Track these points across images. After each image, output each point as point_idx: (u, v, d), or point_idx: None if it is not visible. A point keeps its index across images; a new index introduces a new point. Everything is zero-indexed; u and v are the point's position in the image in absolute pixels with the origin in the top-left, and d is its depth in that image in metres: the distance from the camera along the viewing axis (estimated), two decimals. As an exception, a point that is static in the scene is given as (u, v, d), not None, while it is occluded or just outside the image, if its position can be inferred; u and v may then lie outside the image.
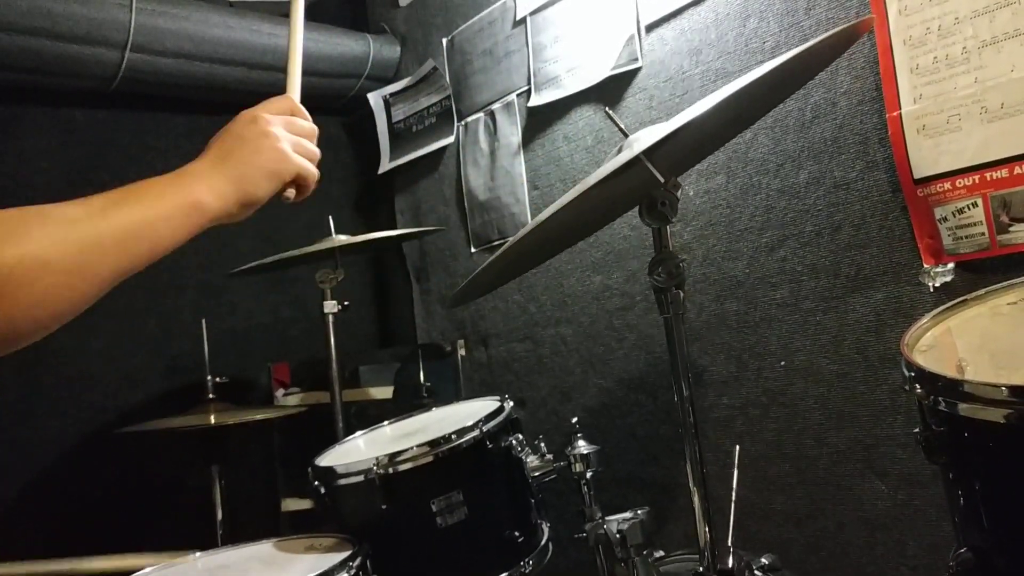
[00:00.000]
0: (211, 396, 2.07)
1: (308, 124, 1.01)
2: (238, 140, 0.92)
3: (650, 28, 2.00)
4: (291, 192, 0.97)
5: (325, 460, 1.52)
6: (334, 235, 1.99)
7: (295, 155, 0.94)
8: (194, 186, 0.84)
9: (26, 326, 0.69)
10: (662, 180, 1.13)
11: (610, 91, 2.09)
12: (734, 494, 1.48)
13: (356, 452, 1.61)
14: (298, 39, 1.16)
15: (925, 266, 1.55)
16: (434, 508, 1.34)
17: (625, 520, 1.38)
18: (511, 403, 1.54)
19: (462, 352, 2.54)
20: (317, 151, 0.99)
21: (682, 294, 1.19)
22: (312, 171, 0.97)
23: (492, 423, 1.43)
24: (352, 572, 1.19)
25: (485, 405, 1.56)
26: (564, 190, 2.10)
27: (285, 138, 0.94)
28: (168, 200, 0.81)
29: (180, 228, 0.81)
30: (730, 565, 1.21)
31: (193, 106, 2.51)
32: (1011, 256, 1.44)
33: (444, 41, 2.59)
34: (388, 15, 2.81)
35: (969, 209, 1.48)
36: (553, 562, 1.47)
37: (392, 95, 2.77)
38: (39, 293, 0.68)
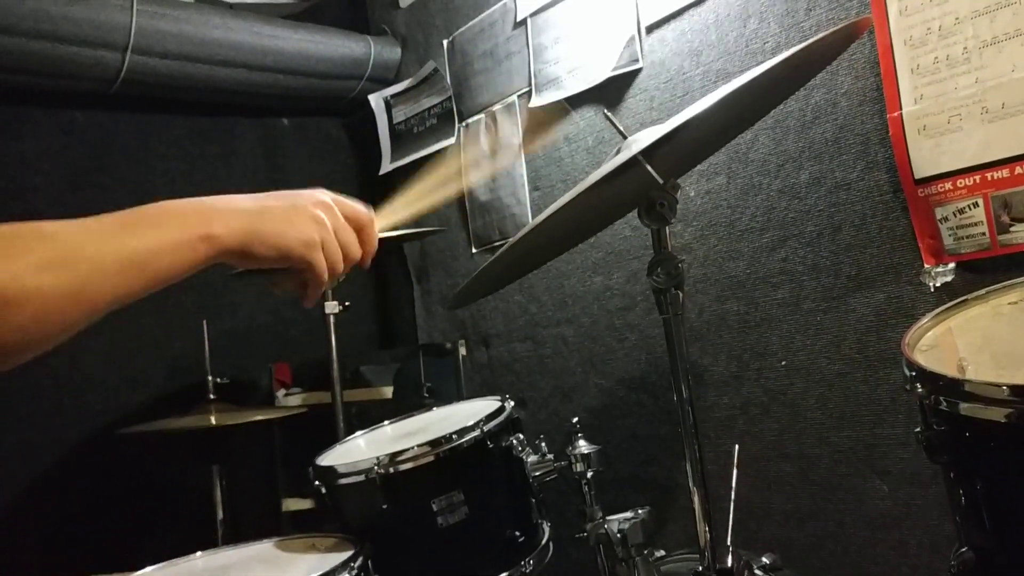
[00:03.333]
0: (212, 397, 2.07)
1: (357, 244, 0.92)
2: (286, 201, 0.86)
3: (650, 29, 2.00)
4: (288, 286, 0.90)
5: (326, 459, 1.52)
6: (335, 236, 1.99)
7: (318, 249, 0.86)
8: (213, 218, 0.79)
9: (13, 347, 0.66)
10: (660, 181, 1.13)
11: (611, 92, 2.09)
12: (734, 494, 1.48)
13: (357, 452, 1.61)
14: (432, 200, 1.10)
15: (926, 266, 1.55)
16: (435, 508, 1.34)
17: (626, 520, 1.38)
18: (512, 403, 1.54)
19: (463, 352, 2.54)
20: (342, 267, 0.90)
21: (681, 295, 1.18)
22: (323, 276, 0.87)
23: (493, 423, 1.42)
24: (354, 573, 1.19)
25: (486, 405, 1.56)
26: (565, 191, 2.10)
27: (324, 231, 0.87)
28: (182, 230, 0.77)
29: (186, 260, 0.77)
30: (730, 565, 1.21)
31: (194, 108, 2.52)
32: (1012, 256, 1.44)
33: (445, 42, 2.59)
34: (389, 17, 2.81)
35: (970, 209, 1.48)
36: (554, 562, 1.47)
37: (393, 96, 2.77)
38: (28, 316, 0.65)
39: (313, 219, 0.86)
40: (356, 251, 0.92)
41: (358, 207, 0.94)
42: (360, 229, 0.93)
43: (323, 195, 0.90)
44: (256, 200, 0.85)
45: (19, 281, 0.64)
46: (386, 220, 1.07)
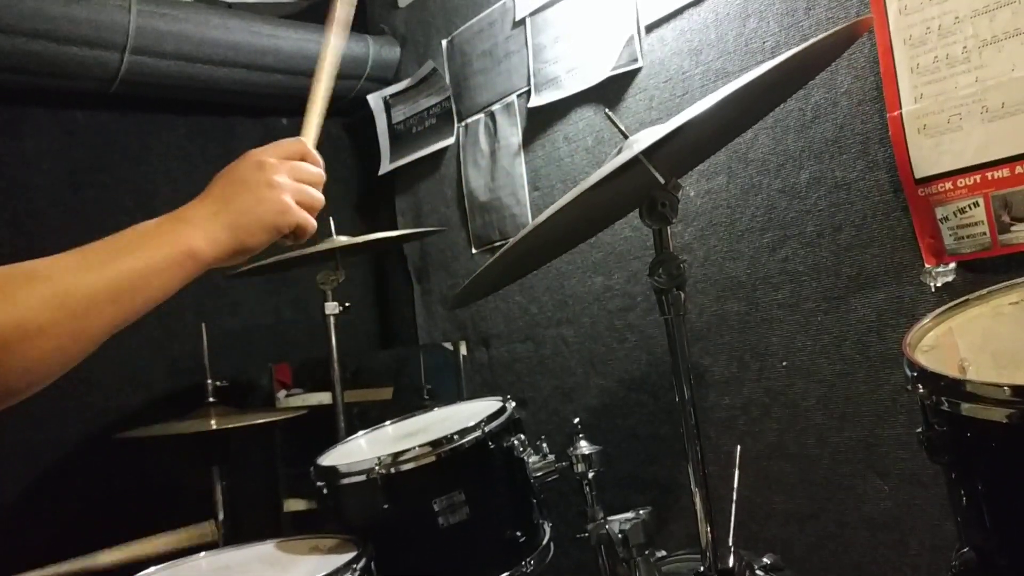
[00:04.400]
0: (211, 400, 2.07)
1: (316, 170, 0.97)
2: (241, 185, 0.88)
3: (650, 28, 2.00)
4: (288, 241, 0.94)
5: (328, 459, 1.52)
6: (335, 236, 1.99)
7: (296, 207, 0.91)
8: (190, 233, 0.81)
9: (19, 386, 0.68)
10: (662, 181, 1.13)
11: (610, 92, 2.09)
12: (735, 494, 1.48)
13: (358, 452, 1.61)
14: (324, 86, 1.12)
15: (927, 266, 1.55)
16: (436, 508, 1.34)
17: (627, 520, 1.38)
18: (513, 403, 1.54)
19: (464, 353, 2.54)
20: (320, 198, 0.96)
21: (683, 295, 1.18)
22: (310, 223, 0.93)
23: (494, 423, 1.43)
24: (357, 574, 1.19)
25: (487, 405, 1.56)
26: (565, 191, 2.10)
27: (288, 188, 0.90)
28: (163, 249, 0.78)
29: (174, 278, 0.79)
30: (731, 565, 1.21)
31: (193, 108, 2.52)
32: (1012, 256, 1.44)
33: (444, 42, 2.59)
34: (388, 16, 2.81)
35: (970, 209, 1.48)
36: (555, 562, 1.47)
37: (392, 96, 2.77)
38: (32, 357, 0.66)
39: (271, 185, 0.89)
40: (317, 176, 0.97)
41: (287, 144, 0.96)
42: (303, 156, 0.97)
43: (256, 159, 0.91)
44: (217, 199, 0.86)
45: (21, 322, 0.65)
46: (311, 130, 1.10)
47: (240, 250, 0.85)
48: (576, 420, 1.55)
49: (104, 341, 0.73)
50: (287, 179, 0.91)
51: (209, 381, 2.07)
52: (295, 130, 1.04)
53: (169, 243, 0.79)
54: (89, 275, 0.72)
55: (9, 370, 0.65)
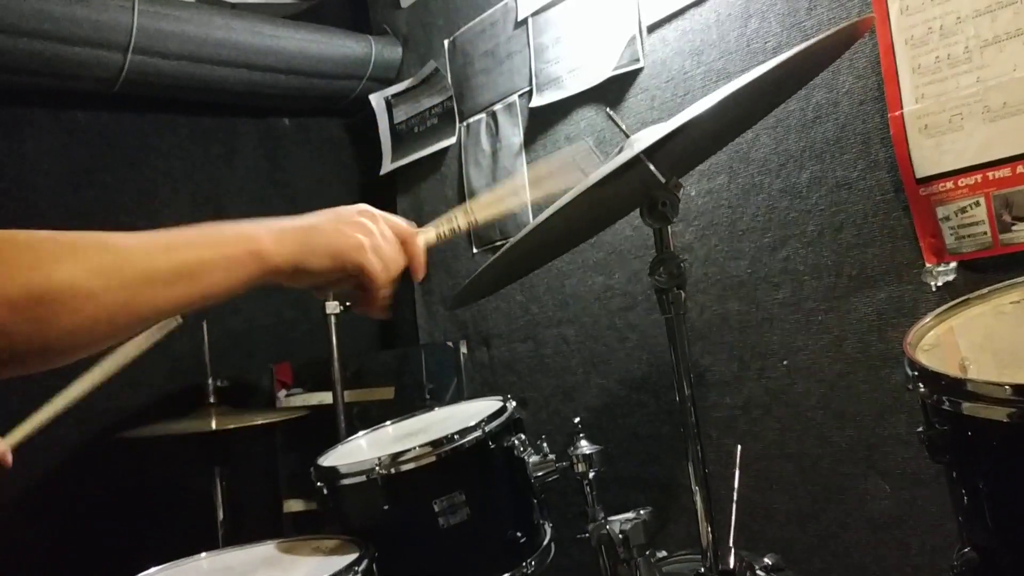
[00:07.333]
0: (212, 400, 2.07)
1: (399, 253, 0.94)
2: (333, 215, 0.89)
3: (652, 29, 2.00)
4: (347, 297, 0.92)
5: (328, 460, 1.52)
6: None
7: (369, 251, 0.88)
8: (262, 236, 0.81)
9: (60, 347, 0.68)
10: (663, 180, 1.13)
11: (612, 92, 2.09)
12: (736, 494, 1.48)
13: (359, 452, 1.61)
14: (474, 218, 1.12)
15: (927, 265, 1.55)
16: (436, 508, 1.34)
17: (628, 520, 1.38)
18: (513, 403, 1.54)
19: (464, 352, 2.54)
20: (392, 271, 0.91)
21: (683, 294, 1.18)
22: (378, 277, 0.88)
23: (494, 423, 1.43)
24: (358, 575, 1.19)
25: (487, 405, 1.56)
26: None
27: (371, 235, 0.89)
28: (230, 245, 0.78)
29: (236, 275, 0.78)
30: (732, 565, 1.21)
31: (195, 108, 2.52)
32: (1013, 255, 1.44)
33: (446, 42, 2.59)
34: (390, 16, 2.81)
35: (971, 208, 1.48)
36: (555, 563, 1.47)
37: (394, 96, 2.77)
38: (80, 320, 0.67)
39: (358, 225, 0.89)
40: (399, 260, 0.94)
41: (402, 221, 0.96)
42: (403, 240, 0.95)
43: (364, 206, 0.92)
44: (302, 218, 0.87)
45: (74, 284, 0.66)
46: (429, 232, 1.08)
47: (302, 266, 0.84)
48: (577, 420, 1.55)
49: (157, 322, 0.75)
50: (376, 232, 0.90)
51: (210, 381, 2.07)
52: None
53: (238, 241, 0.79)
54: (152, 254, 0.73)
55: (52, 328, 0.66)
